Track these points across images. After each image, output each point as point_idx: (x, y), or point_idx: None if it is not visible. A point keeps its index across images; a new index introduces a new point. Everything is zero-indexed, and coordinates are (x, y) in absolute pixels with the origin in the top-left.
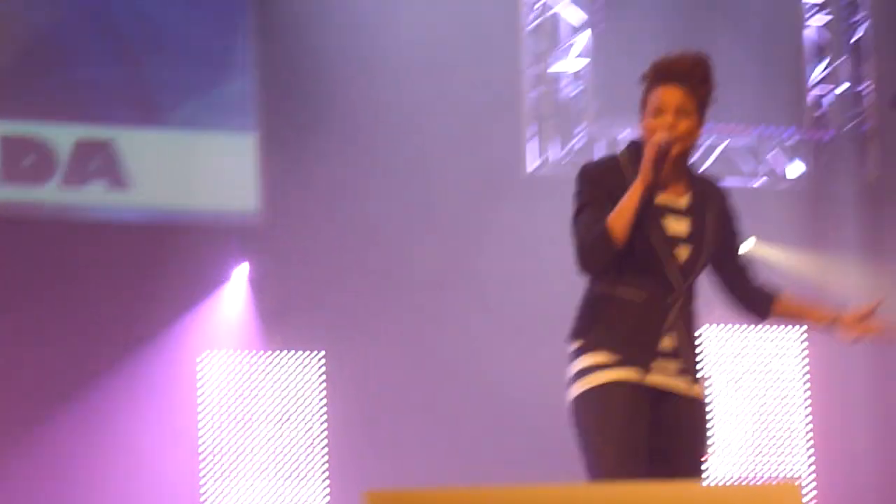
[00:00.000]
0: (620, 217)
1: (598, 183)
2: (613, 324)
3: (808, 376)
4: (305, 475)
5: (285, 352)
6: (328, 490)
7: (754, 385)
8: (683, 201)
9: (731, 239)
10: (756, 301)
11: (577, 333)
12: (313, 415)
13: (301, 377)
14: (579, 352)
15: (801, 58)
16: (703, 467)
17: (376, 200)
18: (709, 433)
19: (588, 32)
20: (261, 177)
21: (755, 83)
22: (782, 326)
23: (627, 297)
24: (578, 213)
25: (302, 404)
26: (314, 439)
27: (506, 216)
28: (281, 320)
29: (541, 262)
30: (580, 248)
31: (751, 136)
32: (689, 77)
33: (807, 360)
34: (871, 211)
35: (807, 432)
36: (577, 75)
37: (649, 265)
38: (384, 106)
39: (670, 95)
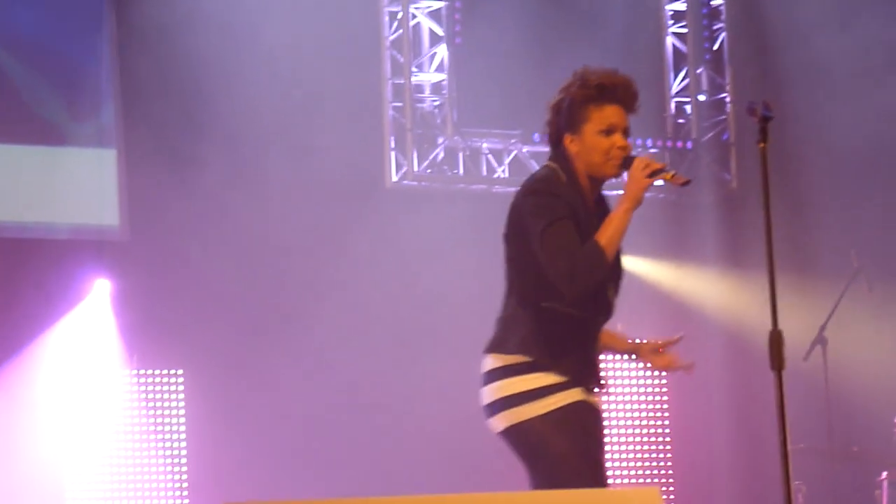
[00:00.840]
0: (615, 240)
1: (562, 199)
2: (567, 343)
3: (665, 388)
4: (165, 491)
5: (145, 370)
6: None
7: (616, 395)
8: None
9: None
10: None
11: (522, 349)
12: (173, 432)
13: (161, 395)
14: (529, 368)
15: (662, 67)
16: None
17: (240, 215)
18: None
19: (445, 45)
20: (122, 192)
21: None
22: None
23: (577, 316)
24: (550, 227)
25: (162, 422)
26: (174, 456)
27: (369, 227)
28: (140, 338)
29: (403, 272)
30: (576, 271)
31: None
32: (633, 100)
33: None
34: (730, 219)
35: (666, 439)
36: (437, 87)
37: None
38: (248, 118)
39: (619, 117)
